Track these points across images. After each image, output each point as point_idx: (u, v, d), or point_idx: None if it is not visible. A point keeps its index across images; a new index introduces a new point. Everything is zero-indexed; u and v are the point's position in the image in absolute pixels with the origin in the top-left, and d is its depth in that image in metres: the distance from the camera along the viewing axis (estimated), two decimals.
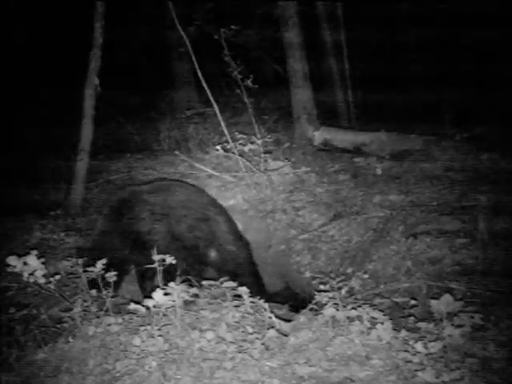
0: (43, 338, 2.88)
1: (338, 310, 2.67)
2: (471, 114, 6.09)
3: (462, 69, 6.83)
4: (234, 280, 2.88)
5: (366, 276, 3.72)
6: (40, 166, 6.23)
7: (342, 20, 7.21)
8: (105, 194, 5.47)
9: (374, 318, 2.63)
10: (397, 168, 5.26)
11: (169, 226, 3.80)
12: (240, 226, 4.96)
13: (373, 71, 7.89)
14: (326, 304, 2.75)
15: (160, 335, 2.55)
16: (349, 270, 4.02)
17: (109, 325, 2.72)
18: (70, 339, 2.68)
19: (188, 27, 6.82)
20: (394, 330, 2.56)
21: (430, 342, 2.43)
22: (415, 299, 3.14)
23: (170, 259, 2.88)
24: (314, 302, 2.90)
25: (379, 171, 5.26)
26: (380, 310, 2.76)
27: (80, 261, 3.00)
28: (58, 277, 2.99)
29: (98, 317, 2.80)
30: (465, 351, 2.40)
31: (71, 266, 3.10)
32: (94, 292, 3.00)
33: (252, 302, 2.79)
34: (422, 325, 2.61)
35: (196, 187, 4.46)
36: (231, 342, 2.53)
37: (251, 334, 2.62)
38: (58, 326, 2.92)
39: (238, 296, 2.83)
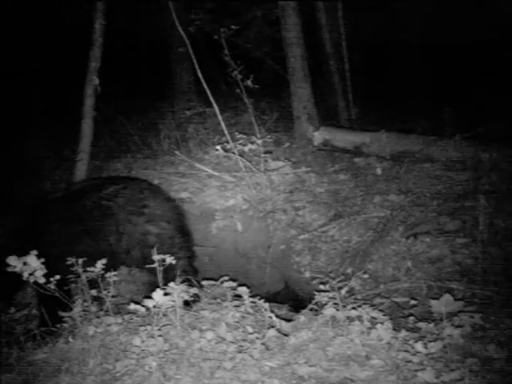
0: (43, 338, 2.89)
1: (337, 310, 2.67)
2: (471, 114, 6.08)
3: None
4: None
5: (366, 276, 3.71)
6: (40, 165, 6.23)
7: (342, 20, 7.18)
8: None
9: (374, 317, 2.63)
10: (397, 168, 5.25)
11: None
12: (240, 227, 4.98)
13: (374, 71, 7.89)
14: (326, 304, 2.75)
15: (160, 335, 2.55)
16: (349, 270, 4.02)
17: (109, 325, 2.72)
18: (70, 339, 2.68)
19: (188, 27, 6.82)
20: (394, 329, 2.56)
21: (430, 342, 2.43)
22: (415, 299, 3.14)
23: (169, 259, 2.87)
24: (314, 302, 2.90)
25: (379, 171, 5.25)
26: (380, 310, 2.77)
27: (80, 261, 3.00)
28: (57, 277, 2.98)
29: (98, 317, 2.80)
30: (465, 351, 2.40)
31: (71, 266, 3.10)
32: (94, 292, 2.99)
33: (252, 302, 2.79)
34: (421, 325, 2.62)
35: (137, 186, 3.57)
36: (231, 342, 2.53)
37: (251, 333, 2.62)
38: (58, 325, 2.92)
39: (238, 296, 2.83)
